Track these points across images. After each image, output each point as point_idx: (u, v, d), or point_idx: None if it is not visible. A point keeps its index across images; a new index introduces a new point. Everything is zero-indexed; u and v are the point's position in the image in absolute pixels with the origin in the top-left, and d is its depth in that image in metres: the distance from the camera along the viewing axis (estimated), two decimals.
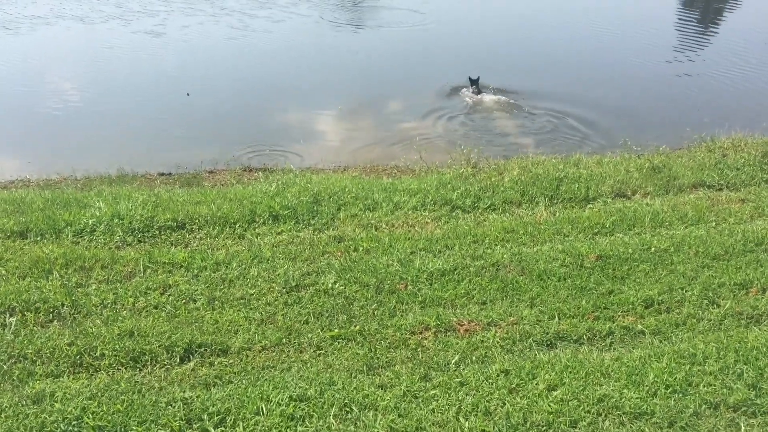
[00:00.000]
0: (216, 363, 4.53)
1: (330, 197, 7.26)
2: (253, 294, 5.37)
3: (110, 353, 4.53)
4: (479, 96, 12.52)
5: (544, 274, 5.74)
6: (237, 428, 3.89)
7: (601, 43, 17.74)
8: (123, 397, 4.10)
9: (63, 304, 5.07)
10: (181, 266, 5.73)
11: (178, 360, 4.54)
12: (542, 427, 3.96)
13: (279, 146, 10.16)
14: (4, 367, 4.36)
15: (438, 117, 11.63)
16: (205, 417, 3.95)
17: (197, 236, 6.42)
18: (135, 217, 6.53)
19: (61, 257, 5.71)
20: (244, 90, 12.80)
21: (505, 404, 4.11)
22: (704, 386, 4.27)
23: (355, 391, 4.21)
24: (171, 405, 4.04)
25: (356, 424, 3.96)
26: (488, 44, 17.28)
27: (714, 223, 6.85)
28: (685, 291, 5.50)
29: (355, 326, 4.98)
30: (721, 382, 4.32)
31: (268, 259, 5.91)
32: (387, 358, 4.64)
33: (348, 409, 4.06)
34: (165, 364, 4.50)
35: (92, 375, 4.37)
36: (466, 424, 3.95)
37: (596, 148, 10.26)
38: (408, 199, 7.33)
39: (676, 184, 7.95)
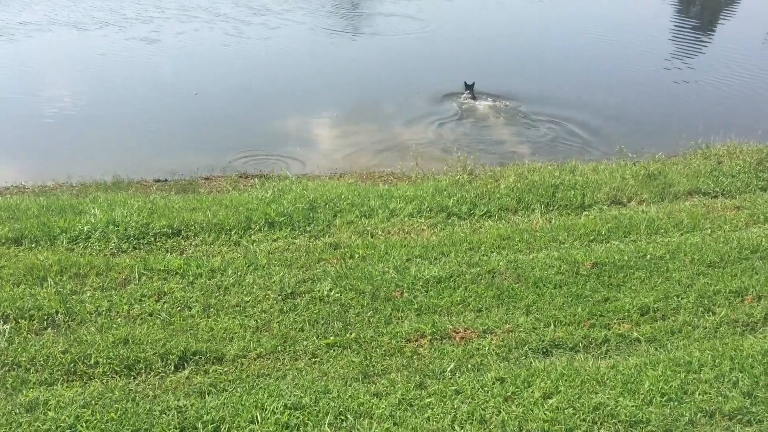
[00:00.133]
0: (211, 371, 4.51)
1: (326, 204, 7.25)
2: (248, 301, 5.35)
3: (104, 361, 4.51)
4: (475, 101, 12.56)
5: (540, 282, 5.74)
6: None
7: (597, 49, 17.81)
8: (117, 405, 4.08)
9: (57, 312, 5.05)
10: (177, 273, 5.71)
11: (172, 368, 4.52)
12: None
13: (275, 153, 10.15)
14: None
15: (434, 123, 11.65)
16: (200, 426, 3.93)
17: (193, 243, 6.41)
18: (130, 223, 6.51)
19: (56, 264, 5.69)
20: (239, 96, 12.79)
21: (500, 412, 4.11)
22: (700, 394, 4.27)
23: (350, 400, 4.20)
24: (165, 413, 4.03)
25: None
26: (484, 51, 17.32)
27: (709, 231, 6.86)
28: (681, 298, 5.50)
29: (351, 334, 4.97)
30: (716, 390, 4.32)
31: (264, 266, 5.89)
32: (382, 365, 4.63)
33: (343, 418, 4.05)
34: (159, 372, 4.48)
35: (86, 383, 4.35)
36: None
37: (592, 155, 10.29)
38: (404, 206, 7.32)
39: (671, 192, 7.97)
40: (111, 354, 4.56)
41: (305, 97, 12.94)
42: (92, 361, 4.51)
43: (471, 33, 19.27)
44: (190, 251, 6.26)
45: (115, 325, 4.93)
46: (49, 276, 5.51)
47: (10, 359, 4.49)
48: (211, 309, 5.23)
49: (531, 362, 4.68)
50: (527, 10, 23.17)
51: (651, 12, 23.68)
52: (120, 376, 4.43)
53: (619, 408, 4.13)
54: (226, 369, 4.55)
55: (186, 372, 4.49)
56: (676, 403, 4.19)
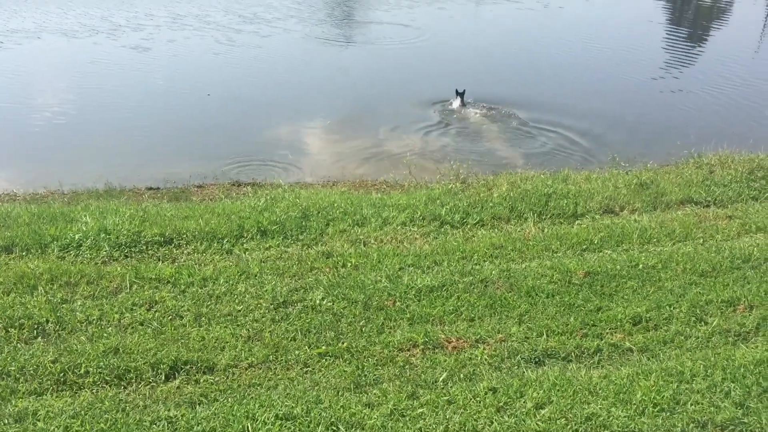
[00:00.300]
0: (202, 381, 4.49)
1: (319, 212, 7.24)
2: (240, 310, 5.33)
3: (94, 371, 4.48)
4: (466, 109, 12.61)
5: (533, 291, 5.73)
6: None
7: (591, 58, 17.90)
8: (107, 415, 4.05)
9: (48, 321, 5.02)
10: (168, 282, 5.69)
11: (163, 378, 4.50)
12: None
13: (268, 161, 10.14)
14: None
15: (427, 131, 11.66)
16: None
17: (185, 251, 6.39)
18: (122, 231, 6.49)
19: (47, 272, 5.66)
20: (231, 104, 12.79)
21: (492, 423, 4.09)
22: (692, 405, 4.27)
23: (341, 410, 4.18)
24: (155, 424, 4.00)
25: None
26: (477, 59, 17.39)
27: (701, 240, 6.87)
28: (673, 308, 5.50)
29: (343, 343, 4.95)
30: (708, 400, 4.32)
31: (256, 275, 5.87)
32: (374, 375, 4.61)
33: (335, 428, 4.03)
34: (150, 382, 4.45)
35: (76, 393, 4.32)
36: None
37: (585, 163, 10.31)
38: (397, 214, 7.32)
39: (663, 201, 7.99)
40: (101, 363, 4.53)
41: (298, 105, 12.96)
42: (82, 371, 4.48)
43: (464, 41, 19.39)
44: (182, 260, 6.23)
45: (105, 335, 4.90)
46: (39, 284, 5.48)
47: (0, 369, 4.45)
48: (203, 318, 5.21)
49: (523, 372, 4.67)
50: (521, 19, 23.30)
51: (644, 21, 23.81)
52: (110, 386, 4.40)
53: (611, 418, 4.12)
54: (217, 379, 4.52)
55: (177, 382, 4.46)
56: (668, 414, 4.18)
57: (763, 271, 6.12)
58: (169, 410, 4.13)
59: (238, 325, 5.12)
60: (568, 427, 4.06)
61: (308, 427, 4.02)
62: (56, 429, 3.89)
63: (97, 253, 6.19)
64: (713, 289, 5.78)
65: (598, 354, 4.93)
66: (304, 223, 6.97)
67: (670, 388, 4.39)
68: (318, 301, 5.46)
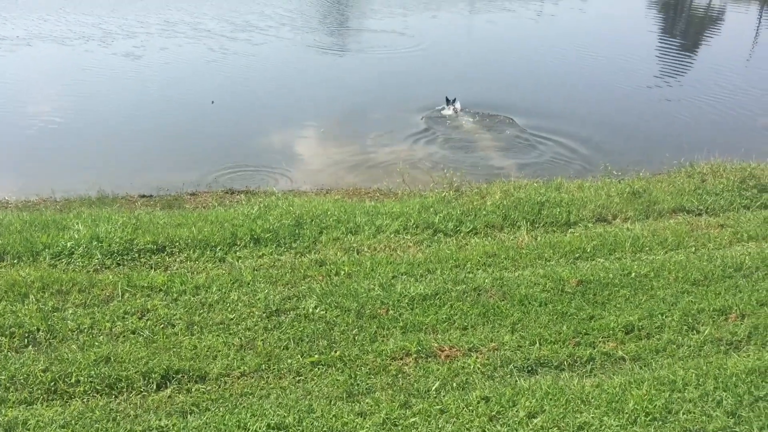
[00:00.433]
0: (193, 390, 4.47)
1: (312, 220, 7.23)
2: (232, 319, 5.32)
3: (85, 380, 4.46)
4: (458, 116, 12.68)
5: (526, 299, 5.74)
6: None
7: (585, 67, 17.97)
8: (97, 425, 4.04)
9: (38, 329, 4.99)
10: (160, 290, 5.67)
11: (154, 387, 4.48)
12: None
13: (261, 169, 10.13)
14: None
15: (420, 139, 11.68)
16: None
17: (177, 259, 6.37)
18: (114, 239, 6.46)
19: (38, 281, 5.63)
20: (225, 112, 12.79)
21: None
22: (684, 414, 4.28)
23: (334, 419, 4.17)
24: None
25: None
26: (471, 67, 17.44)
27: (693, 249, 6.90)
28: (665, 316, 5.51)
29: (336, 352, 4.94)
30: (700, 409, 4.33)
31: (249, 283, 5.86)
32: (367, 384, 4.61)
33: None
34: (141, 391, 4.43)
35: (66, 402, 4.30)
36: None
37: (578, 172, 10.34)
38: (390, 222, 7.32)
39: (656, 209, 8.01)
40: (92, 372, 4.51)
41: (291, 113, 12.97)
42: (73, 380, 4.46)
43: (458, 49, 19.45)
44: (175, 268, 6.21)
45: (97, 343, 4.88)
46: (30, 293, 5.46)
47: None
48: (195, 326, 5.19)
49: (516, 381, 4.67)
50: (515, 28, 23.39)
51: (636, 30, 23.95)
52: (101, 395, 4.38)
53: (603, 428, 4.13)
54: (209, 388, 4.51)
55: (168, 391, 4.45)
56: (660, 423, 4.19)
57: (754, 280, 6.15)
58: (160, 420, 4.12)
59: (230, 334, 5.11)
60: None
61: None
62: None
63: (89, 261, 6.17)
64: (705, 298, 5.79)
65: (591, 363, 4.94)
66: (297, 231, 6.96)
67: (662, 397, 4.40)
68: (311, 310, 5.45)
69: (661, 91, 15.71)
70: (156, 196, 8.85)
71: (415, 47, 19.00)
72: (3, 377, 4.43)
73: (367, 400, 4.41)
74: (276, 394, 4.46)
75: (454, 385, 4.62)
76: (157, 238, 6.56)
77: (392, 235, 7.10)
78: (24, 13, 21.12)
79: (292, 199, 8.10)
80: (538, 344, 5.10)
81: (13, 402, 4.25)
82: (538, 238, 7.14)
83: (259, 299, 5.58)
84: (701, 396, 4.45)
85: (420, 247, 6.86)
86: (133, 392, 4.42)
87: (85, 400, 4.33)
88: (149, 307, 5.39)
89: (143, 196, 8.86)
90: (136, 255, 6.35)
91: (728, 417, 4.26)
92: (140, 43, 17.64)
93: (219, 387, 4.52)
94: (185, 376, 4.58)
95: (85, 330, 5.05)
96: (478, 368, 4.81)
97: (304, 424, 4.10)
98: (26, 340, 4.89)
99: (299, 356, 4.88)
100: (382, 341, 5.11)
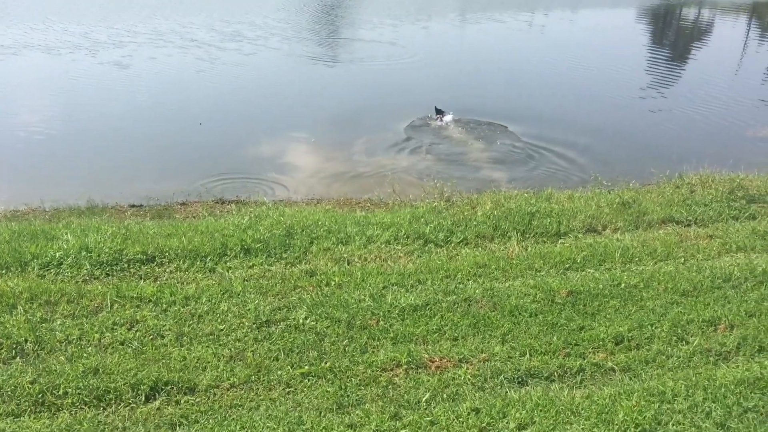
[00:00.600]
0: (182, 402, 4.45)
1: (303, 230, 7.23)
2: (222, 329, 5.30)
3: (73, 391, 4.43)
4: (449, 126, 12.73)
5: (516, 310, 5.74)
6: None
7: (575, 78, 18.08)
8: None
9: (26, 340, 4.96)
10: (150, 301, 5.64)
11: (143, 399, 4.45)
12: None
13: (252, 178, 10.12)
14: None
15: (410, 149, 11.71)
16: None
17: (167, 270, 6.34)
18: (104, 249, 6.43)
19: (26, 291, 5.60)
20: (214, 122, 12.78)
21: None
22: (673, 425, 4.28)
23: (324, 431, 4.15)
24: None
25: None
26: (461, 77, 17.53)
27: (683, 259, 6.92)
28: (655, 327, 5.53)
29: (326, 363, 4.92)
30: (690, 420, 4.33)
31: (239, 294, 5.84)
32: (357, 395, 4.59)
33: None
34: (130, 403, 4.40)
35: (54, 414, 4.27)
36: None
37: (568, 182, 10.38)
38: (381, 232, 7.32)
39: (645, 220, 8.05)
40: (80, 384, 4.48)
41: (282, 123, 12.99)
42: (61, 392, 4.43)
43: (448, 60, 19.52)
44: (164, 278, 6.19)
45: (85, 355, 4.85)
46: (18, 303, 5.42)
47: None
48: (185, 337, 5.16)
49: (506, 392, 4.67)
50: (507, 39, 23.49)
51: (627, 41, 24.12)
52: (89, 407, 4.34)
53: None
54: (198, 400, 4.48)
55: (157, 403, 4.42)
56: None
57: (743, 291, 6.18)
58: None
59: (220, 345, 5.09)
60: None
61: None
62: None
63: (77, 272, 6.14)
64: (694, 309, 5.81)
65: (581, 374, 4.94)
66: (288, 241, 6.95)
67: (652, 409, 4.40)
68: (301, 321, 5.44)
69: (650, 102, 15.81)
70: (146, 205, 8.83)
71: (407, 57, 19.08)
72: None
73: (357, 412, 4.39)
74: (266, 406, 4.44)
75: (445, 396, 4.61)
76: (146, 249, 6.54)
77: (383, 245, 7.10)
78: (13, 22, 21.08)
79: (282, 209, 8.09)
80: (528, 355, 5.10)
81: (0, 414, 4.21)
82: (529, 249, 7.15)
83: (249, 310, 5.56)
84: (690, 407, 4.46)
85: (411, 258, 6.87)
86: (122, 404, 4.39)
87: (73, 412, 4.29)
88: (138, 318, 5.37)
89: (133, 205, 8.83)
90: (126, 265, 6.32)
91: (717, 428, 4.26)
92: (129, 52, 17.64)
93: (208, 399, 4.50)
94: (174, 388, 4.55)
95: (74, 341, 5.02)
96: (469, 379, 4.80)
97: None
98: (14, 351, 4.86)
99: (289, 367, 4.86)
100: (373, 352, 5.10)
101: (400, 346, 5.17)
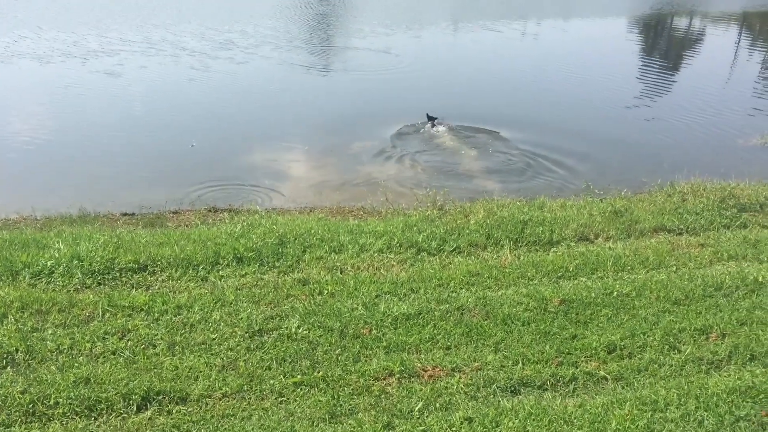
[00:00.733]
0: (174, 411, 4.42)
1: (295, 239, 7.22)
2: (214, 339, 5.28)
3: (64, 401, 4.41)
4: (441, 133, 12.77)
5: (509, 319, 5.75)
6: None
7: (567, 86, 18.13)
8: None
9: (17, 350, 4.93)
10: (142, 310, 5.62)
11: (135, 408, 4.43)
12: None
13: (245, 187, 10.11)
14: None
15: (403, 157, 11.72)
16: None
17: (159, 278, 6.33)
18: (95, 258, 6.41)
19: (17, 300, 5.57)
20: (207, 130, 12.76)
21: None
22: None
23: None
24: None
25: None
26: (454, 85, 17.55)
27: (674, 268, 6.95)
28: (647, 336, 5.54)
29: (319, 372, 4.91)
30: (682, 429, 4.34)
31: (231, 303, 5.83)
32: (350, 405, 4.58)
33: None
34: (121, 413, 4.38)
35: (45, 425, 4.24)
36: None
37: (560, 190, 10.40)
38: (374, 241, 7.32)
39: (637, 228, 8.08)
40: (71, 394, 4.46)
41: (275, 131, 12.98)
42: (52, 402, 4.40)
43: (441, 68, 19.55)
44: (156, 287, 6.17)
45: (76, 364, 4.82)
46: (9, 313, 5.39)
47: None
48: (177, 347, 5.15)
49: (499, 401, 4.67)
50: (501, 48, 23.58)
51: (619, 51, 24.26)
52: (80, 418, 4.32)
53: None
54: (190, 409, 4.46)
55: (149, 413, 4.40)
56: None
57: (734, 299, 6.20)
58: None
59: (212, 354, 5.07)
60: None
61: None
62: None
63: (69, 281, 6.11)
64: (686, 317, 5.83)
65: (574, 383, 4.94)
66: (280, 250, 6.95)
67: (645, 418, 4.41)
68: (294, 330, 5.43)
69: (642, 110, 15.89)
70: (138, 214, 8.79)
71: (400, 66, 19.12)
72: None
73: (349, 422, 4.39)
74: (258, 416, 4.43)
75: (437, 405, 4.61)
76: (138, 257, 6.52)
77: (376, 254, 7.10)
78: (3, 30, 21.03)
79: (275, 218, 8.09)
80: (521, 364, 5.11)
81: None
82: (521, 257, 7.17)
83: (241, 319, 5.55)
84: (683, 416, 4.47)
85: (403, 266, 6.87)
86: (113, 414, 4.37)
87: (64, 422, 4.27)
88: (130, 327, 5.35)
89: (125, 214, 8.79)
90: (118, 274, 6.30)
91: None
92: (121, 60, 17.63)
93: (200, 408, 4.48)
94: (166, 398, 4.53)
95: (65, 351, 4.99)
96: (462, 388, 4.80)
97: None
98: (4, 361, 4.83)
99: (282, 377, 4.85)
100: (365, 361, 5.09)
101: (393, 355, 5.16)
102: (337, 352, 5.19)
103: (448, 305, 5.95)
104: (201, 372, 4.83)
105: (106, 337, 5.20)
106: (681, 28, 31.65)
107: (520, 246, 7.53)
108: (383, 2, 35.16)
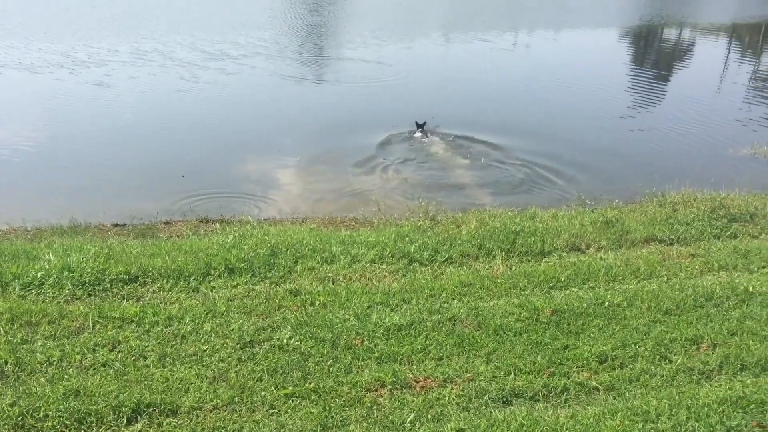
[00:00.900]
0: (165, 424, 4.40)
1: (287, 249, 7.21)
2: (205, 350, 5.26)
3: (54, 414, 4.37)
4: (431, 141, 12.84)
5: (501, 329, 5.75)
6: None
7: (558, 97, 18.22)
8: None
9: (6, 362, 4.90)
10: (132, 321, 5.59)
11: (125, 421, 4.40)
12: None
13: (237, 198, 10.09)
14: None
15: (395, 166, 11.73)
16: None
17: (150, 290, 6.30)
18: (86, 269, 6.38)
19: (7, 312, 5.54)
20: (199, 142, 12.74)
21: None
22: None
23: None
24: None
25: None
26: (446, 95, 17.61)
27: (665, 278, 6.98)
28: (638, 346, 5.55)
29: (310, 383, 4.90)
30: None
31: (223, 314, 5.81)
32: (341, 417, 4.57)
33: None
34: (111, 426, 4.35)
35: None
36: None
37: (552, 200, 10.43)
38: (366, 251, 7.32)
39: (628, 239, 8.11)
40: (61, 407, 4.42)
41: (267, 142, 12.98)
42: (41, 414, 4.37)
43: (432, 79, 19.62)
44: (147, 298, 6.14)
45: (66, 376, 4.79)
46: None
47: None
48: (167, 358, 5.12)
49: (491, 412, 4.66)
50: (493, 58, 23.66)
51: (610, 62, 24.40)
52: (70, 430, 4.29)
53: None
54: (180, 422, 4.43)
55: (139, 425, 4.37)
56: None
57: (725, 310, 6.23)
58: None
59: (203, 366, 5.05)
60: None
61: None
62: None
63: (59, 292, 6.08)
64: (677, 327, 5.85)
65: (565, 393, 4.94)
66: (272, 261, 6.93)
67: (636, 428, 4.42)
68: (285, 341, 5.41)
69: (633, 121, 15.97)
70: (129, 224, 8.76)
71: (392, 76, 19.17)
72: None
73: None
74: (249, 428, 4.40)
75: (429, 416, 4.60)
76: (129, 268, 6.50)
77: (368, 264, 7.09)
78: None
79: (267, 228, 8.08)
80: (512, 375, 5.10)
81: None
82: (513, 268, 7.18)
83: (233, 330, 5.52)
84: (674, 426, 4.47)
85: (395, 277, 6.86)
86: (103, 427, 4.34)
87: None
88: (121, 338, 5.32)
89: (116, 225, 8.75)
90: (108, 285, 6.27)
91: None
92: (110, 71, 17.58)
93: (191, 421, 4.45)
94: (156, 410, 4.50)
95: (55, 362, 4.96)
96: (453, 399, 4.79)
97: None
98: None
99: (273, 388, 4.82)
100: (357, 372, 5.08)
101: (385, 366, 5.15)
102: (328, 363, 5.18)
103: (440, 316, 5.94)
104: (192, 384, 4.81)
105: (97, 348, 5.17)
106: (671, 40, 31.88)
107: (512, 256, 7.54)
108: (375, 13, 35.29)
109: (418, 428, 4.45)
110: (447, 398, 4.80)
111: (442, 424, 4.49)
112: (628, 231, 8.28)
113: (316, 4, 36.57)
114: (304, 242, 7.41)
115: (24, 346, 5.14)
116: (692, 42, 31.37)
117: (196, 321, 5.65)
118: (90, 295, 6.12)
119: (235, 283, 6.49)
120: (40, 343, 5.18)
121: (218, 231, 8.18)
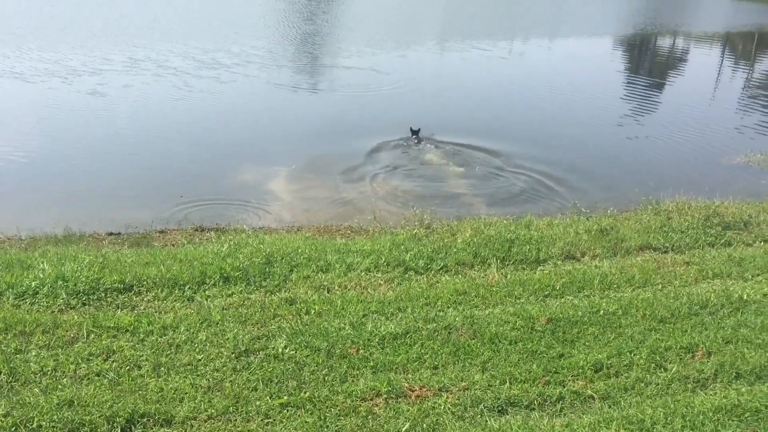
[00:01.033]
0: None
1: (282, 258, 7.20)
2: (200, 360, 5.24)
3: (48, 424, 4.34)
4: (425, 148, 12.87)
5: (496, 338, 5.75)
6: None
7: (554, 105, 18.30)
8: None
9: (0, 372, 4.87)
10: (127, 330, 5.57)
11: (119, 431, 4.37)
12: None
13: (232, 206, 10.09)
14: None
15: (390, 174, 11.75)
16: None
17: (145, 299, 6.28)
18: (80, 278, 6.36)
19: (1, 321, 5.51)
20: (194, 151, 12.74)
21: None
22: None
23: None
24: None
25: None
26: (441, 103, 17.68)
27: (660, 286, 6.99)
28: (633, 354, 5.55)
29: (305, 393, 4.88)
30: None
31: (218, 323, 5.79)
32: (337, 426, 4.55)
33: None
34: None
35: None
36: None
37: (547, 208, 10.46)
38: (361, 260, 7.31)
39: (623, 247, 8.12)
40: (55, 417, 4.39)
41: (261, 151, 13.00)
42: (35, 425, 4.34)
43: (428, 87, 19.69)
44: (142, 307, 6.12)
45: (60, 386, 4.76)
46: None
47: None
48: (162, 368, 5.10)
49: (486, 421, 4.65)
50: (488, 66, 23.76)
51: (604, 70, 24.52)
52: None
53: None
54: None
55: None
56: None
57: (720, 318, 6.24)
58: None
59: (198, 375, 5.03)
60: None
61: None
62: None
63: (53, 301, 6.05)
64: (672, 336, 5.85)
65: (561, 402, 4.93)
66: (267, 270, 6.92)
67: None
68: (280, 350, 5.40)
69: (627, 129, 16.05)
70: (124, 233, 8.74)
71: (387, 84, 19.23)
72: None
73: None
74: None
75: (425, 426, 4.58)
76: (124, 277, 6.48)
77: (363, 273, 7.09)
78: None
79: (262, 237, 8.07)
80: (508, 383, 5.10)
81: None
82: (508, 276, 7.18)
83: (227, 339, 5.51)
84: None
85: (391, 285, 6.86)
86: None
87: None
88: (115, 348, 5.30)
89: (111, 233, 8.73)
90: (103, 294, 6.25)
91: None
92: (105, 80, 17.58)
93: (185, 431, 4.43)
94: (151, 420, 4.48)
95: (49, 372, 4.94)
96: (449, 408, 4.78)
97: None
98: None
99: (268, 398, 4.81)
100: (353, 381, 5.07)
101: (380, 375, 5.14)
102: (324, 372, 5.16)
103: (435, 324, 5.94)
104: (186, 393, 4.79)
105: (91, 358, 5.15)
106: (665, 48, 32.07)
107: (507, 264, 7.55)
108: (369, 21, 35.41)
109: None
110: (442, 407, 4.78)
111: None
112: (622, 239, 8.30)
113: (310, 13, 36.71)
114: (300, 251, 7.40)
115: (18, 355, 5.11)
116: (686, 50, 31.57)
117: (191, 330, 5.63)
118: (84, 304, 6.10)
119: (230, 292, 6.48)
120: (34, 353, 5.16)
121: (213, 240, 8.17)
